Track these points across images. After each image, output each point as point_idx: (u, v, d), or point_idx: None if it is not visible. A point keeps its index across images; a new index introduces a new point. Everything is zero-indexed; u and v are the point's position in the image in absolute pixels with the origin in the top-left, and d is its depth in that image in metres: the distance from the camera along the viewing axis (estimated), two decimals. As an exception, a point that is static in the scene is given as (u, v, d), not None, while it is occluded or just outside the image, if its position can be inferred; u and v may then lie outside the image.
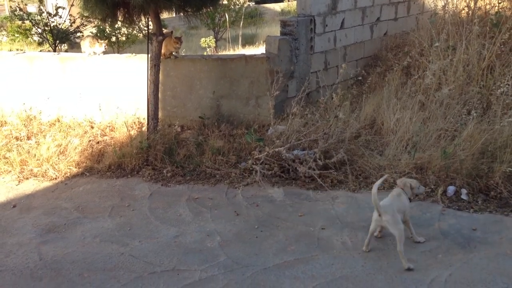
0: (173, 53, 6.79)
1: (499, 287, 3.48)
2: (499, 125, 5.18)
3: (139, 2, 5.26)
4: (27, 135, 6.74)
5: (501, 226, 4.29)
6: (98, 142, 6.57)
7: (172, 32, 6.71)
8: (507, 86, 5.74)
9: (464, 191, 4.80)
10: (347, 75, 7.01)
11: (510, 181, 4.79)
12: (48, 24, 11.41)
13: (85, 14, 5.95)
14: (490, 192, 4.75)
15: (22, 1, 12.08)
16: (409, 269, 3.71)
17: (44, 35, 11.81)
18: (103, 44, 7.38)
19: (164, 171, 5.74)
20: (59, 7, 11.10)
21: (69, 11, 11.46)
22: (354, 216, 4.63)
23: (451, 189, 4.85)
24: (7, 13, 17.17)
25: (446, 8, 7.89)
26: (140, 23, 10.27)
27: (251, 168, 5.55)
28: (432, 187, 4.92)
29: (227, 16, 15.77)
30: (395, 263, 3.83)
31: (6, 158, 6.18)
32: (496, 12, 7.13)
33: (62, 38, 11.82)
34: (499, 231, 4.22)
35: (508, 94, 5.76)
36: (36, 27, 12.02)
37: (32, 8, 14.53)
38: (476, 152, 5.06)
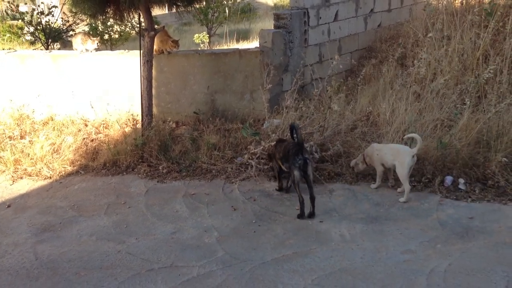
0: (167, 49, 6.73)
1: (499, 276, 3.46)
2: (492, 114, 5.16)
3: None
4: (20, 134, 6.66)
5: (499, 215, 4.28)
6: (92, 140, 6.51)
7: (164, 27, 6.65)
8: (489, 73, 5.72)
9: (461, 180, 4.78)
10: (342, 67, 6.97)
11: (506, 170, 4.78)
12: (40, 23, 11.31)
13: (74, 11, 5.87)
14: (488, 181, 4.74)
15: (14, 1, 11.96)
16: None
17: (37, 34, 11.71)
18: (96, 41, 7.31)
19: (160, 168, 5.69)
20: (53, 6, 11.01)
21: (61, 9, 11.36)
22: (351, 208, 4.61)
23: (448, 179, 4.84)
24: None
25: (440, -2, 7.87)
26: (132, 20, 10.19)
27: (247, 163, 5.52)
28: (429, 177, 4.90)
29: (227, 11, 15.71)
30: (394, 255, 3.81)
31: (0, 157, 6.12)
32: (490, 1, 7.11)
33: (55, 37, 11.73)
34: (497, 220, 4.21)
35: (502, 82, 5.75)
36: (28, 27, 11.92)
37: (24, 8, 14.40)
38: (472, 142, 5.05)
